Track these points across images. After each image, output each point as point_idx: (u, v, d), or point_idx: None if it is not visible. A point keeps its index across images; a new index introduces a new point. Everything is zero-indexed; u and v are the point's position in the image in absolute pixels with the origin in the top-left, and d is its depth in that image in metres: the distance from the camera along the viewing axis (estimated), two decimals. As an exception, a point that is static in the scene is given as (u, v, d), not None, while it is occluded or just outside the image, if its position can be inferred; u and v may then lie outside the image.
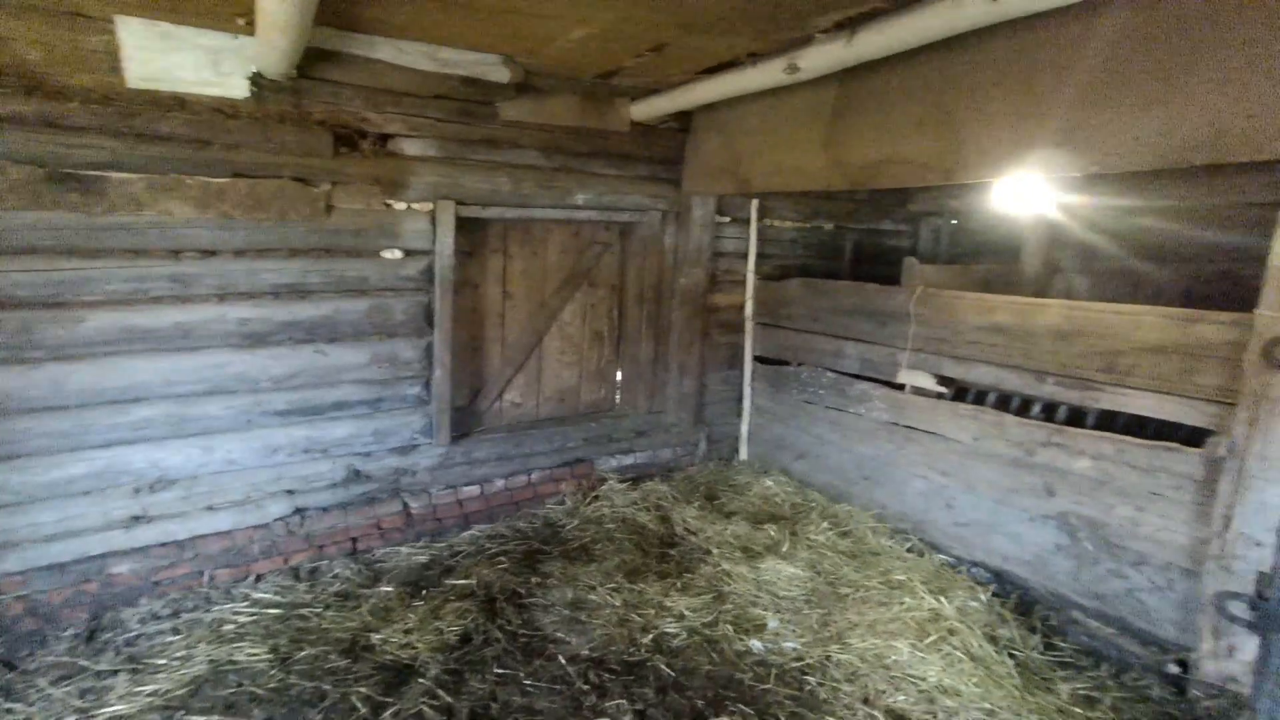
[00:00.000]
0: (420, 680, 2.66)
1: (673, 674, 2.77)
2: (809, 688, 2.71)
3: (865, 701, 2.63)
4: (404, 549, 3.68)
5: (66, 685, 2.60)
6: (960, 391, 3.69)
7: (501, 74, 3.13)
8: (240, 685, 2.61)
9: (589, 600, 3.22)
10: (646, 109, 3.88)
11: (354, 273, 3.41)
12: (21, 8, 2.44)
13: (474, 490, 4.00)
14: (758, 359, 4.96)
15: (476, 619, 3.03)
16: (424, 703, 2.55)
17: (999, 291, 3.82)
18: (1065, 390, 3.14)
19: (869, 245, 5.49)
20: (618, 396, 4.98)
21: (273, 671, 2.68)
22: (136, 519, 3.09)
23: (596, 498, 4.27)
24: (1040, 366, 3.21)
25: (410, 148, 3.47)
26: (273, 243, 3.17)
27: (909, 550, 3.69)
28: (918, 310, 3.77)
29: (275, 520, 3.41)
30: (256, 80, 2.92)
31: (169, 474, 3.14)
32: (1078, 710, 2.57)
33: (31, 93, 2.62)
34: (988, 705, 2.56)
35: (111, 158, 2.76)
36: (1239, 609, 2.43)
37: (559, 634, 2.99)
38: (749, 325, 4.96)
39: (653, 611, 3.15)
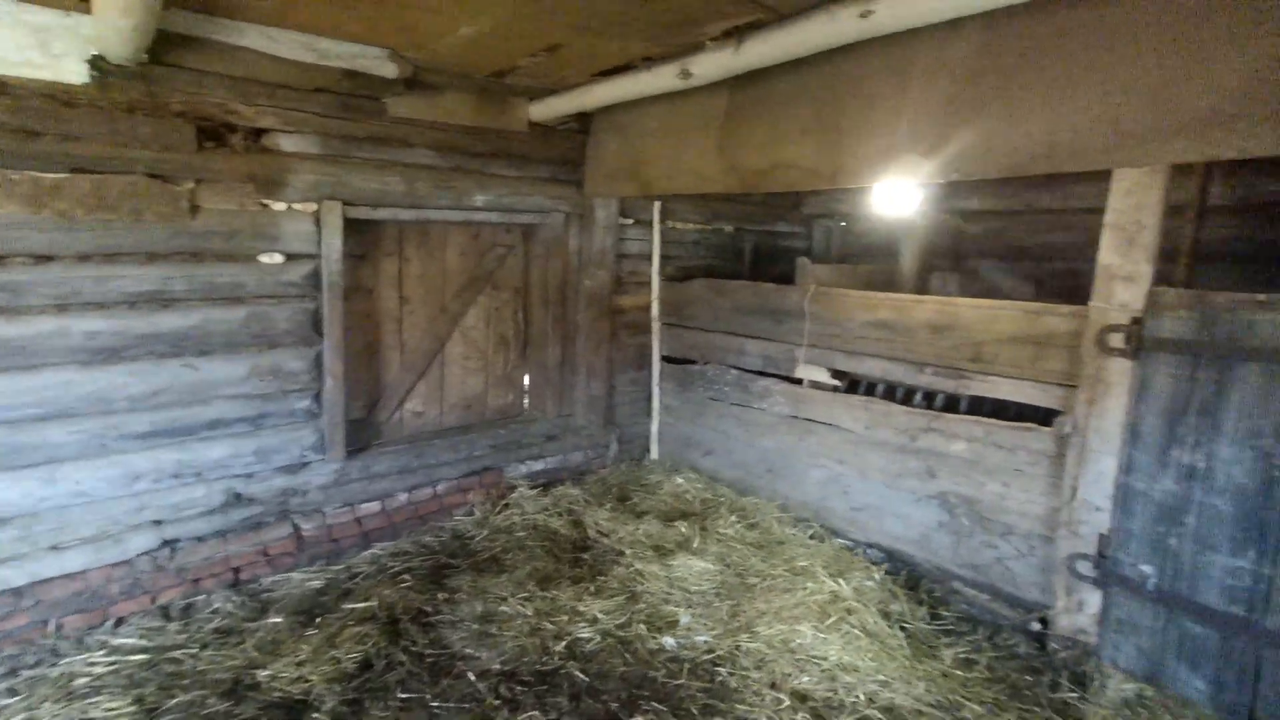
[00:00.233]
0: (314, 715, 2.48)
1: (587, 679, 2.75)
2: (720, 678, 2.77)
3: (773, 686, 2.73)
4: (296, 575, 3.42)
5: None
6: (853, 384, 3.92)
7: (388, 69, 2.98)
8: (98, 744, 2.32)
9: (500, 612, 3.14)
10: (545, 109, 3.84)
11: (227, 279, 3.13)
12: None
13: (374, 507, 3.79)
14: (665, 359, 5.04)
15: (378, 643, 2.86)
16: (319, 738, 2.38)
17: (883, 289, 4.10)
18: (941, 379, 3.41)
19: (767, 246, 5.73)
20: (526, 401, 4.90)
21: (138, 725, 2.40)
22: (-45, 567, 2.68)
23: (507, 506, 4.17)
24: (919, 358, 3.47)
25: (288, 144, 3.24)
26: (126, 246, 2.85)
27: (811, 537, 3.87)
28: (811, 308, 3.96)
29: (139, 555, 3.06)
30: (98, 64, 2.60)
31: None
32: (958, 672, 2.79)
33: None
34: (882, 677, 2.73)
35: (-87, 149, 2.39)
36: (1085, 568, 2.73)
37: (468, 650, 2.89)
38: (655, 326, 5.03)
39: (566, 618, 3.11)
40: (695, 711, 2.59)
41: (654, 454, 5.16)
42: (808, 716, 2.50)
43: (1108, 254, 2.58)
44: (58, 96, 2.62)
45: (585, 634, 3.01)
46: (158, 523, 3.12)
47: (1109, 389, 2.63)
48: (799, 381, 4.11)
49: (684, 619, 3.16)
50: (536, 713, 2.54)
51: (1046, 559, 2.98)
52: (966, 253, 5.61)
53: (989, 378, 3.20)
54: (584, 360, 4.71)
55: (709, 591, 3.37)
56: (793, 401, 4.13)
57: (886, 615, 3.12)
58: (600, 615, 3.14)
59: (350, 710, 2.51)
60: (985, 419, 3.24)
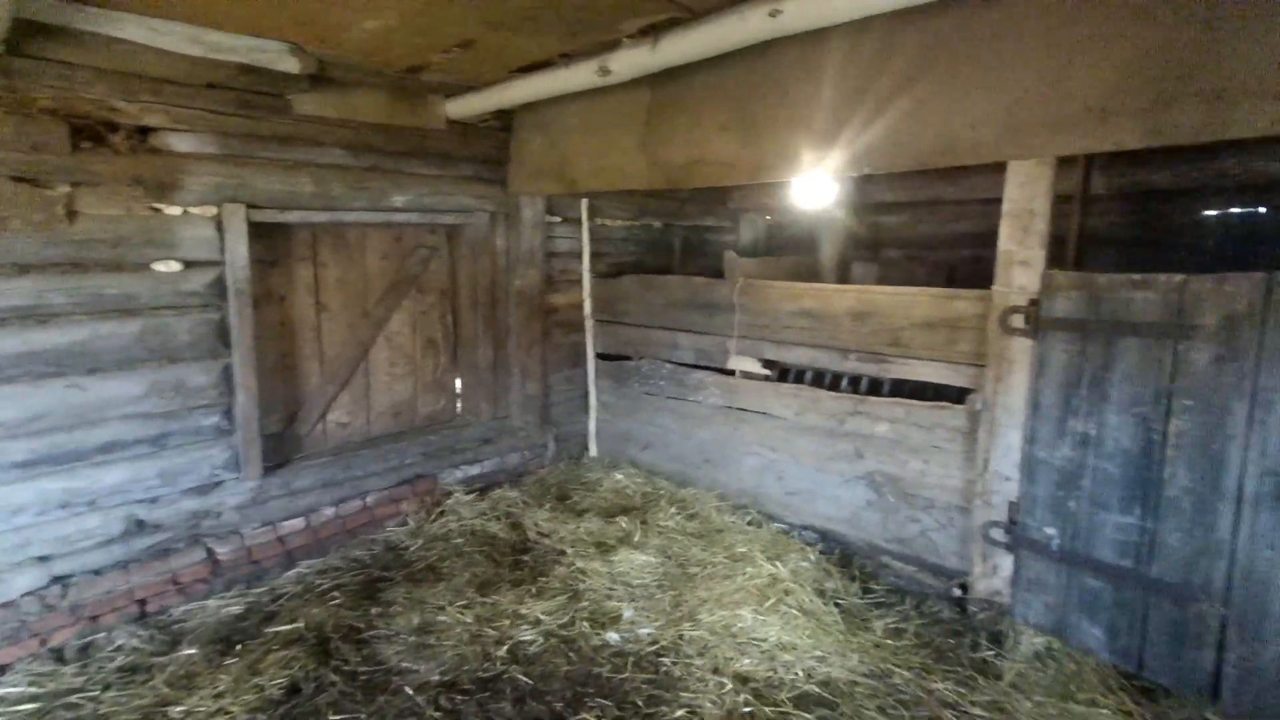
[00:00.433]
0: (238, 748, 2.34)
1: (530, 682, 2.72)
2: (664, 669, 2.80)
3: (715, 671, 2.77)
4: (211, 602, 3.21)
5: None
6: (783, 372, 4.03)
7: (289, 63, 2.82)
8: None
9: (438, 622, 3.06)
10: (463, 107, 3.74)
11: (115, 290, 2.89)
12: None
13: (298, 524, 3.60)
14: (600, 356, 5.03)
15: (306, 665, 2.73)
16: (243, 773, 2.24)
17: (807, 280, 4.24)
18: (864, 364, 3.56)
19: (697, 241, 5.81)
20: (459, 405, 4.78)
21: (33, 780, 2.19)
22: None
23: (442, 513, 4.07)
24: (843, 345, 3.61)
25: (180, 144, 3.01)
26: (-10, 257, 2.58)
27: (749, 523, 3.96)
28: (740, 300, 4.05)
29: (23, 595, 2.79)
30: (-56, 55, 2.35)
31: None
32: (889, 642, 2.93)
33: None
34: (819, 653, 2.83)
35: None
36: (998, 534, 2.92)
37: (406, 664, 2.80)
38: (589, 323, 5.01)
39: (507, 622, 3.06)
40: (641, 704, 2.60)
41: (593, 451, 5.15)
42: (749, 697, 2.56)
43: (1006, 241, 2.75)
44: (-107, 90, 2.35)
45: (528, 636, 2.98)
46: (44, 558, 2.85)
47: (1013, 366, 2.81)
48: (732, 373, 4.19)
49: (627, 613, 3.17)
50: (479, 721, 2.49)
51: (964, 529, 3.16)
52: (884, 242, 5.88)
53: (908, 361, 3.36)
54: (517, 361, 4.64)
55: (651, 584, 3.40)
56: (726, 392, 4.21)
57: (822, 593, 3.24)
58: (543, 616, 3.11)
59: (278, 739, 2.39)
60: (906, 400, 3.40)
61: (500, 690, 2.66)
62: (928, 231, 5.51)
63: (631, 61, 2.80)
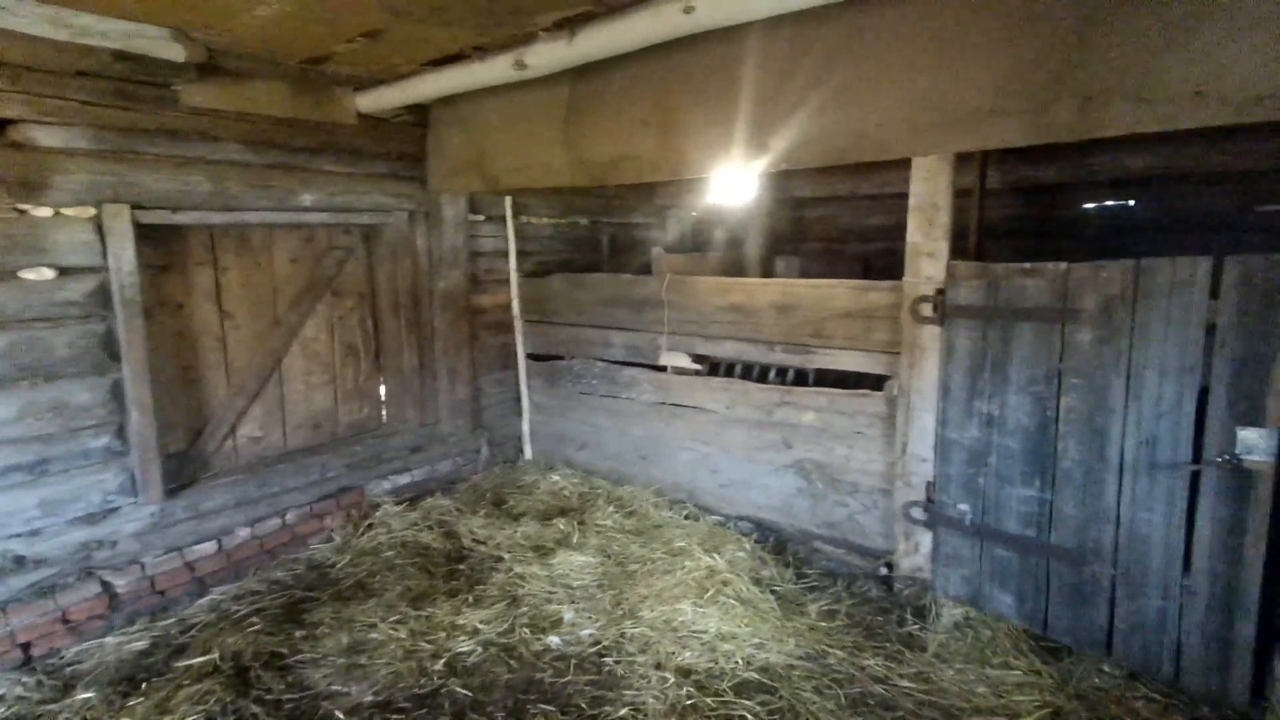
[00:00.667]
0: (145, 798, 2.15)
1: (470, 694, 2.65)
2: (607, 668, 2.79)
3: (658, 667, 2.79)
4: (110, 640, 2.95)
5: None
6: (713, 366, 4.10)
7: (173, 51, 2.59)
8: None
9: (369, 640, 2.93)
10: (374, 100, 3.57)
11: (-25, 302, 2.59)
12: None
13: (209, 548, 3.36)
14: (531, 356, 4.95)
15: (222, 699, 2.54)
16: (152, 824, 2.07)
17: (733, 275, 4.32)
18: (789, 356, 3.66)
19: (625, 238, 5.81)
20: (384, 413, 4.58)
21: None
22: None
23: (371, 526, 3.91)
24: (769, 337, 3.70)
25: (47, 138, 2.72)
26: None
27: (686, 517, 4.01)
28: (669, 297, 4.08)
29: (-119, 652, 2.47)
30: None
31: None
32: (823, 624, 3.04)
33: None
34: (758, 640, 2.90)
35: None
36: (917, 513, 3.09)
37: (335, 687, 2.67)
38: (518, 324, 4.92)
39: (444, 634, 2.98)
40: (584, 705, 2.58)
41: (528, 454, 5.07)
42: (692, 690, 2.59)
43: (914, 233, 2.90)
44: None
45: (466, 647, 2.90)
46: (-98, 608, 2.53)
47: (924, 353, 2.97)
48: (663, 369, 4.22)
49: (568, 615, 3.14)
50: (415, 741, 2.40)
51: (888, 510, 3.32)
52: (805, 236, 6.09)
53: (830, 351, 3.49)
54: (444, 364, 4.50)
55: (591, 584, 3.38)
56: (659, 388, 4.24)
57: (758, 582, 3.32)
58: (481, 626, 3.04)
59: (191, 783, 2.22)
60: (830, 389, 3.53)
61: (438, 705, 2.59)
62: (845, 225, 5.75)
63: (549, 56, 2.76)
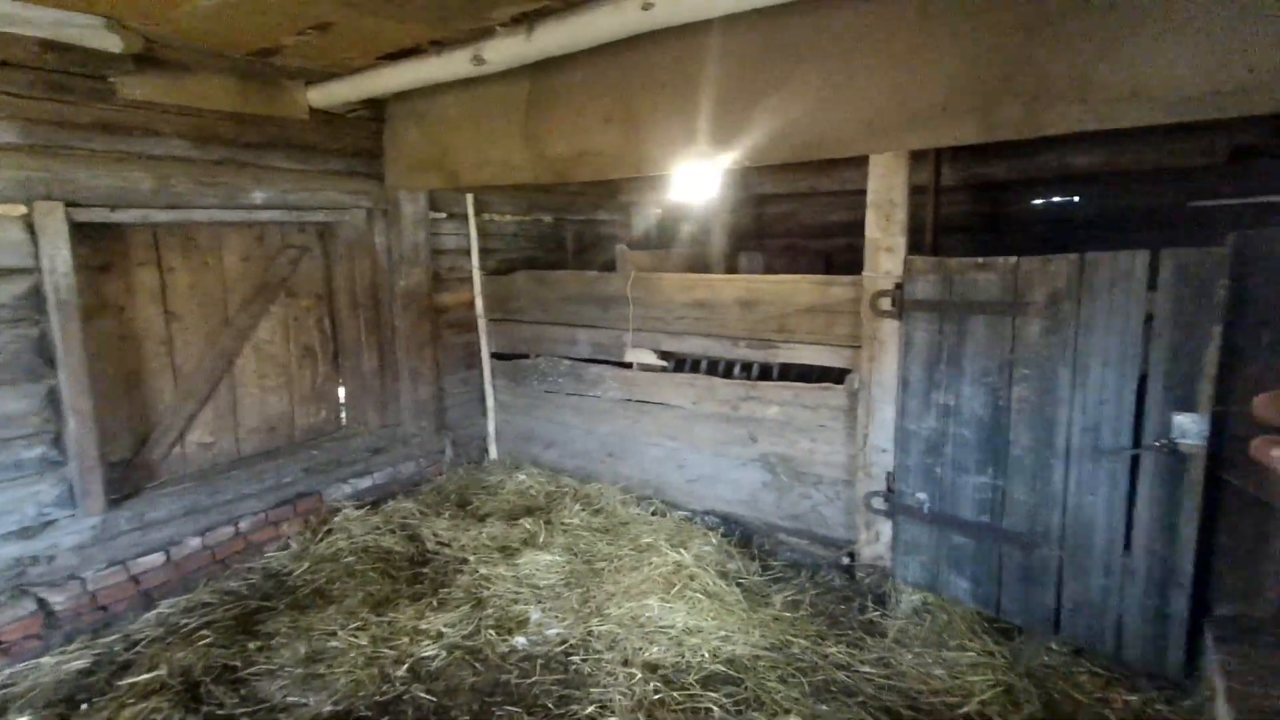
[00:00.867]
0: (90, 822, 2.06)
1: (434, 699, 2.61)
2: (574, 667, 2.78)
3: (625, 663, 2.79)
4: (48, 659, 2.81)
5: None
6: (679, 363, 4.11)
7: (108, 41, 2.46)
8: None
9: (329, 649, 2.86)
10: (326, 95, 3.47)
11: (-106, 306, 2.43)
12: None
13: (155, 559, 3.23)
14: (495, 355, 4.89)
15: (170, 715, 2.46)
16: None
17: (698, 271, 4.34)
18: (754, 351, 3.70)
19: (590, 235, 5.78)
20: (344, 415, 4.47)
21: None
22: None
23: (330, 532, 3.82)
24: (733, 333, 3.73)
25: (-31, 131, 2.58)
26: None
27: (653, 514, 4.02)
28: (634, 293, 4.08)
29: None
30: None
31: None
32: (787, 614, 3.08)
33: None
34: (724, 632, 2.92)
35: None
36: (878, 503, 3.16)
37: (292, 698, 2.60)
38: (482, 322, 4.85)
39: (407, 639, 2.93)
40: (551, 705, 2.57)
41: (493, 454, 5.01)
42: (659, 684, 2.60)
43: (872, 229, 2.96)
44: None
45: (430, 652, 2.86)
46: None
47: (884, 346, 3.04)
48: (629, 365, 4.22)
49: (534, 615, 3.12)
50: (377, 750, 2.36)
51: (850, 500, 3.39)
52: (768, 233, 6.16)
53: (793, 346, 3.54)
54: (406, 365, 4.41)
55: (558, 583, 3.37)
56: (625, 385, 4.24)
57: (724, 575, 3.35)
58: (445, 629, 2.99)
59: (140, 804, 2.13)
60: (794, 383, 3.58)
61: (401, 712, 2.54)
62: (807, 221, 5.83)
63: (507, 51, 2.72)
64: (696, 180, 4.31)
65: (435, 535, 3.82)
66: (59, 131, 2.80)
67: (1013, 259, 2.64)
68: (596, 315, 4.28)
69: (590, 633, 2.98)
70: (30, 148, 2.72)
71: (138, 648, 2.89)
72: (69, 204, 2.83)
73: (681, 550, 3.51)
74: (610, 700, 2.54)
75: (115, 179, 2.98)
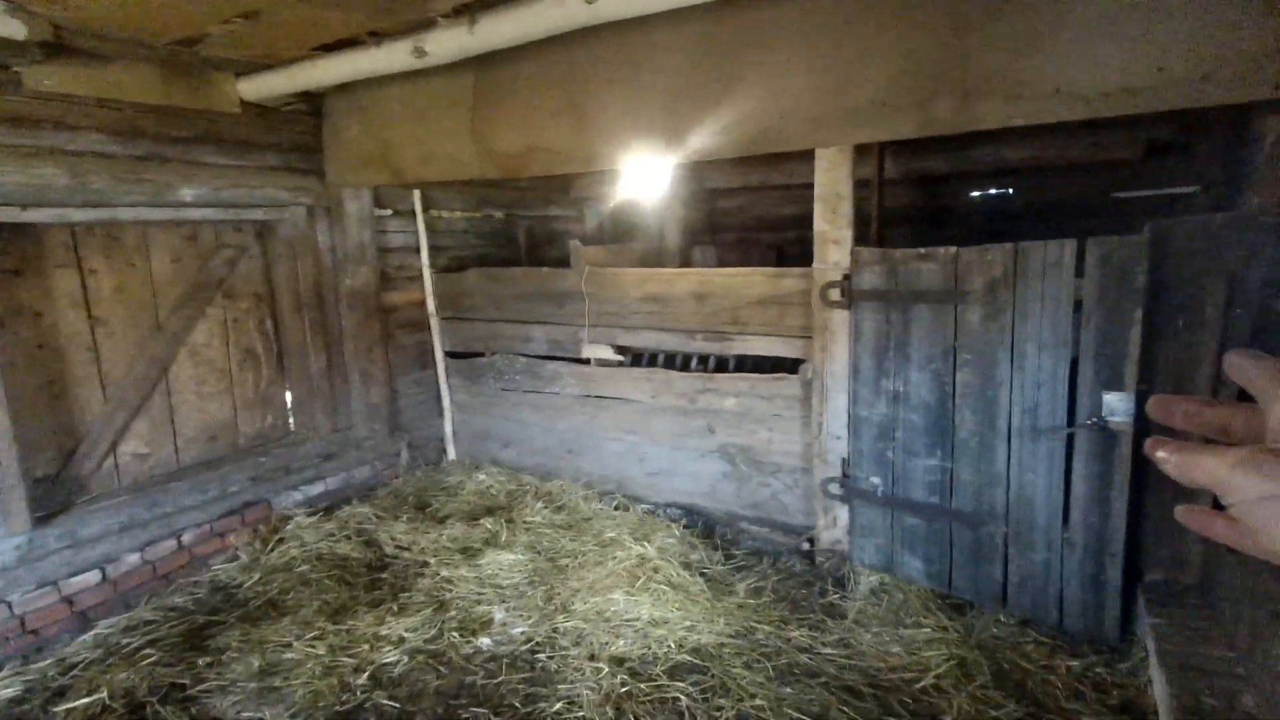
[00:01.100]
0: None
1: (396, 705, 2.56)
2: (540, 664, 2.77)
3: (591, 658, 2.80)
4: (-27, 692, 2.63)
5: None
6: (636, 357, 4.12)
7: (11, 27, 2.28)
8: None
9: (284, 661, 2.77)
10: (258, 87, 3.31)
11: None
12: None
13: (90, 578, 3.06)
14: (450, 354, 4.79)
15: (114, 743, 2.33)
16: None
17: (651, 265, 4.35)
18: (709, 344, 3.74)
19: (542, 231, 5.71)
20: (291, 420, 4.31)
21: None
22: None
23: (281, 540, 3.69)
24: (688, 326, 3.76)
25: None
26: None
27: (615, 508, 4.03)
28: (589, 289, 4.05)
29: None
30: None
31: None
32: (750, 601, 3.14)
33: None
34: (689, 622, 2.96)
35: None
36: (834, 488, 3.25)
37: (246, 714, 2.51)
38: (434, 321, 4.74)
39: (367, 646, 2.86)
40: (518, 704, 2.56)
41: (451, 454, 4.92)
42: (626, 677, 2.61)
43: (820, 221, 3.03)
44: None
45: (391, 658, 2.80)
46: None
47: (835, 336, 3.11)
48: (586, 361, 4.20)
49: (499, 615, 3.09)
50: (338, 763, 2.30)
51: (808, 487, 3.47)
52: (721, 226, 6.21)
53: (747, 337, 3.59)
54: (356, 366, 4.28)
55: (522, 582, 3.34)
56: (583, 381, 4.22)
57: (688, 566, 3.38)
58: (406, 634, 2.94)
59: (82, 839, 2.02)
60: (749, 375, 3.63)
61: (362, 722, 2.48)
62: (759, 215, 5.91)
63: (449, 43, 2.65)
64: (648, 175, 4.32)
65: (394, 539, 3.73)
66: (-41, 125, 2.59)
67: (953, 249, 2.74)
68: (551, 311, 4.24)
69: (556, 630, 2.97)
70: (-73, 143, 2.52)
71: (74, 672, 2.73)
72: (-26, 203, 2.63)
73: (645, 543, 3.54)
74: (578, 696, 2.54)
75: (25, 176, 2.77)
